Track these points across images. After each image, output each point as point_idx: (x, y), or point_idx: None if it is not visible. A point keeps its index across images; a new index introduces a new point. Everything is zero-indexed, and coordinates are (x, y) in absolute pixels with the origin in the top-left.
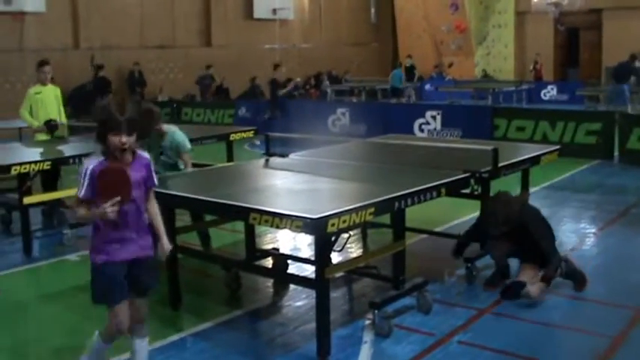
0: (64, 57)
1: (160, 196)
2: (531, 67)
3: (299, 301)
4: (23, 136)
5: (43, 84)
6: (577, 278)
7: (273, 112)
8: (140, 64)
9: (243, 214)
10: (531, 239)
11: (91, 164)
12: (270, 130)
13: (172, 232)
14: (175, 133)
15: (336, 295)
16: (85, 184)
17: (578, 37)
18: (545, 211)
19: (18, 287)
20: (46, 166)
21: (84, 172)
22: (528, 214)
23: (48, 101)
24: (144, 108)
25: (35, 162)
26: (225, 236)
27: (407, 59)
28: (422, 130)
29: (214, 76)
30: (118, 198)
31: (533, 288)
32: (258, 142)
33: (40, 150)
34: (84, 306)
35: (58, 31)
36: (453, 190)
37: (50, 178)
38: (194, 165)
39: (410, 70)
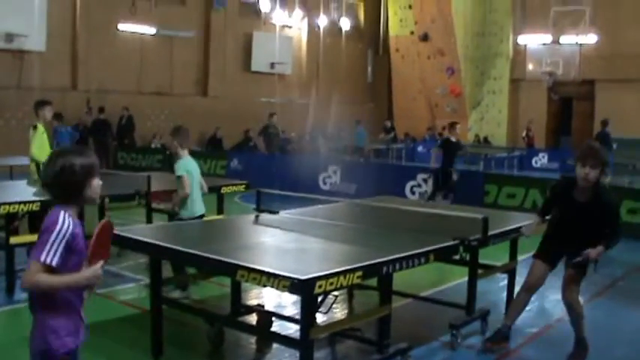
0: (62, 97)
1: (146, 247)
2: (524, 134)
3: (282, 359)
4: (15, 174)
5: (45, 122)
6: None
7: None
8: (132, 109)
9: (230, 270)
10: (594, 224)
11: (67, 221)
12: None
13: (158, 283)
14: (181, 158)
15: (320, 356)
16: (60, 248)
17: (572, 107)
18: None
19: None
20: (35, 207)
21: (60, 231)
22: (610, 194)
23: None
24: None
25: (24, 202)
26: (212, 288)
27: (386, 122)
28: (413, 193)
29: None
30: (104, 259)
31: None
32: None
33: (31, 190)
34: None
35: (57, 71)
36: (442, 256)
37: (38, 219)
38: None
39: (389, 131)
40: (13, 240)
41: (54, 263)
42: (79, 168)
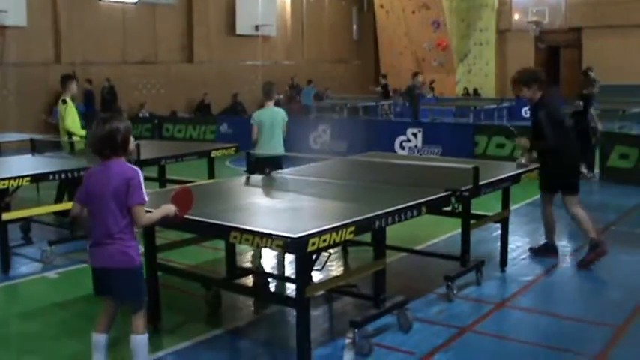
0: (46, 71)
1: None
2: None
3: (280, 319)
4: (3, 150)
5: (72, 95)
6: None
7: None
8: (118, 79)
9: (223, 232)
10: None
11: (136, 169)
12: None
13: (152, 250)
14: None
15: (317, 314)
16: (143, 188)
17: (559, 55)
18: (526, 228)
19: None
20: (26, 182)
21: (140, 175)
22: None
23: None
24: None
25: (14, 178)
26: (206, 253)
27: (381, 79)
28: (403, 148)
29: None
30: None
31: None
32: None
33: (21, 165)
34: (64, 323)
35: (39, 45)
36: (434, 208)
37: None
38: (176, 182)
39: (384, 88)
40: (6, 216)
41: (147, 199)
42: (123, 129)
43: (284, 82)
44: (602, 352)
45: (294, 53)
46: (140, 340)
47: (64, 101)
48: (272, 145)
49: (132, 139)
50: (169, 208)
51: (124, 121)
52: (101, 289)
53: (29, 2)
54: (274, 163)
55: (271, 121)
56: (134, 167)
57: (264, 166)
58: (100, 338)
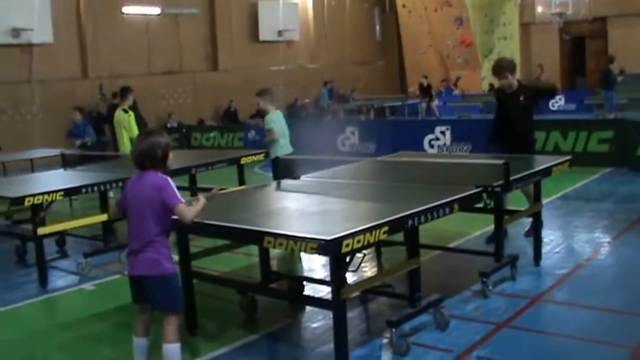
0: (73, 87)
1: (172, 223)
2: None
3: (316, 322)
4: (34, 166)
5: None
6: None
7: None
8: (144, 90)
9: (257, 237)
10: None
11: (165, 177)
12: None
13: (187, 257)
14: (269, 113)
15: (353, 315)
16: (176, 191)
17: (584, 46)
18: (558, 221)
19: (35, 318)
20: (59, 196)
21: (169, 183)
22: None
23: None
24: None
25: (48, 193)
26: (239, 260)
27: (422, 79)
28: (432, 146)
29: None
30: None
31: None
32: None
33: (53, 180)
34: (101, 334)
35: (66, 61)
36: (466, 205)
37: None
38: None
39: (427, 89)
40: (41, 231)
41: (184, 200)
42: (164, 144)
43: (309, 86)
44: None
45: (318, 57)
46: (170, 348)
47: (126, 111)
48: (288, 144)
49: (171, 154)
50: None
51: (164, 136)
52: (138, 296)
53: (54, 19)
54: (295, 161)
55: (282, 123)
56: (163, 175)
57: (291, 166)
58: (140, 342)
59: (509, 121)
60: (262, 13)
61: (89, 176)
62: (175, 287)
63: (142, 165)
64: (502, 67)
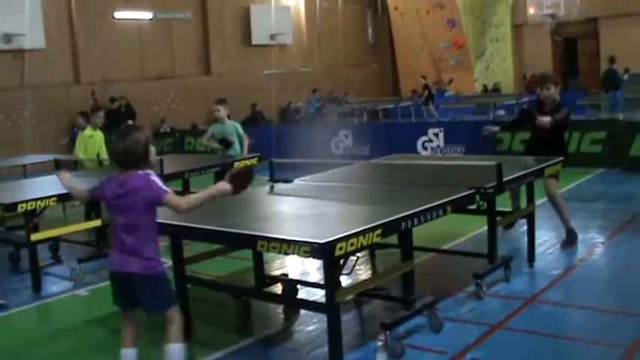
0: (65, 92)
1: (165, 228)
2: (524, 79)
3: (310, 325)
4: (27, 172)
5: (95, 128)
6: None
7: None
8: (137, 95)
9: (251, 241)
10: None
11: (147, 172)
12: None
13: (181, 262)
14: (228, 122)
15: (347, 318)
16: (159, 182)
17: (576, 47)
18: (552, 222)
19: (29, 324)
20: (52, 202)
21: (151, 176)
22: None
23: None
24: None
25: (41, 199)
26: (234, 264)
27: (421, 79)
28: (425, 148)
29: None
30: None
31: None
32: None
33: (46, 185)
34: (95, 340)
35: (58, 66)
36: (459, 207)
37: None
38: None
39: (426, 89)
40: (35, 237)
41: (169, 190)
42: (144, 139)
43: (302, 89)
44: (637, 342)
45: (311, 60)
46: (174, 349)
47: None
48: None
49: (152, 148)
50: (224, 187)
51: (142, 132)
52: (123, 300)
53: (46, 24)
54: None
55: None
56: (145, 173)
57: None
58: (128, 352)
59: (540, 137)
60: (255, 17)
61: (82, 182)
62: (165, 287)
63: (125, 163)
64: (546, 78)
